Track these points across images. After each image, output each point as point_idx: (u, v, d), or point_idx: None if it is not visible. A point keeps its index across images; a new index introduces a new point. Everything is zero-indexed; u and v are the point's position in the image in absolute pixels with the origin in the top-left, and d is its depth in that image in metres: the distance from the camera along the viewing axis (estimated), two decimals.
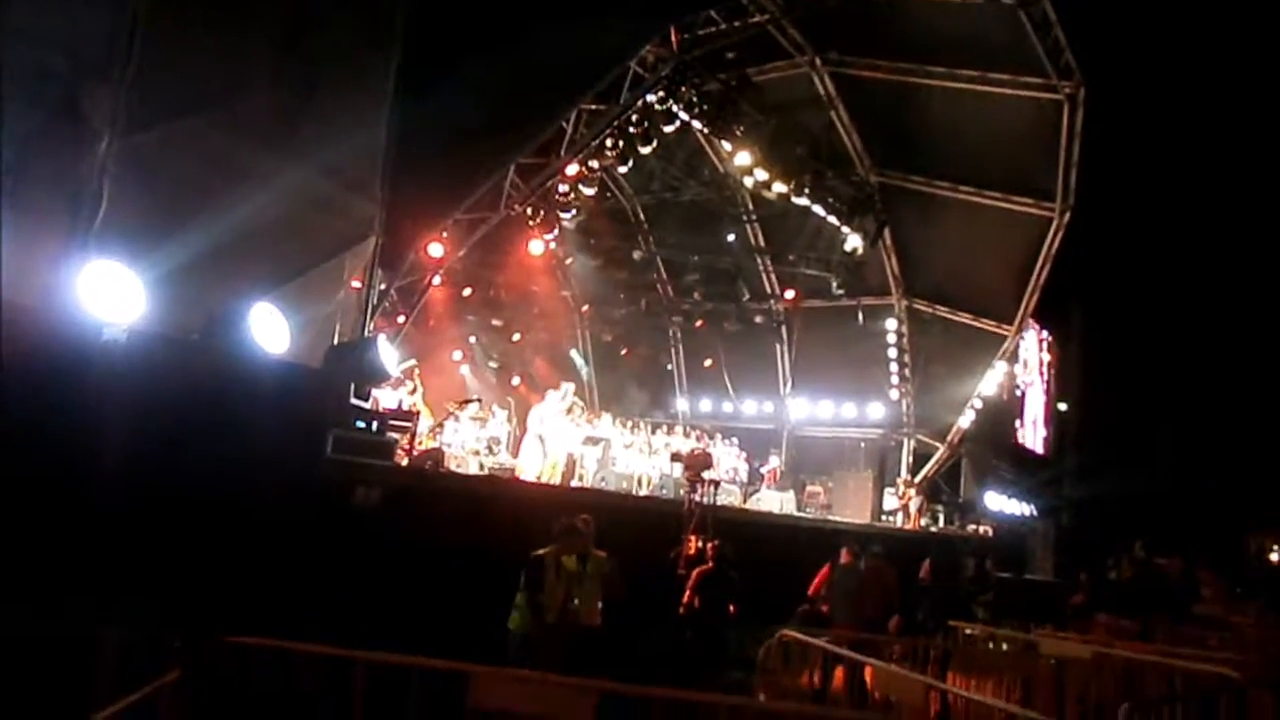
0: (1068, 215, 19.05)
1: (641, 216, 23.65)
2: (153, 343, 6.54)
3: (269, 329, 7.57)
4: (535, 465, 14.60)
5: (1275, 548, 27.24)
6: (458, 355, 21.88)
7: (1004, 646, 9.47)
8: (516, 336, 23.28)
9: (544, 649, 7.14)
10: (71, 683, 3.65)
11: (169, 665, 3.90)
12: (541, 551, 7.47)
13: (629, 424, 18.22)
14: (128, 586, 5.52)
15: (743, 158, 16.72)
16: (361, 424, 8.58)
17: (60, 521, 5.57)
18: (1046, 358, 30.50)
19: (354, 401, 8.57)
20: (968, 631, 9.84)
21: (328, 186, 8.76)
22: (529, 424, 15.31)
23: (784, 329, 24.55)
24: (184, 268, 7.04)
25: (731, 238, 22.72)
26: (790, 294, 23.40)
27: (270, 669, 4.15)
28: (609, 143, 15.55)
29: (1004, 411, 25.50)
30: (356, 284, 10.46)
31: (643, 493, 15.78)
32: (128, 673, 3.79)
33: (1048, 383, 30.68)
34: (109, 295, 6.37)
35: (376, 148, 9.22)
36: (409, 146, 9.61)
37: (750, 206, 22.51)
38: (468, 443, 13.96)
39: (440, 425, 13.78)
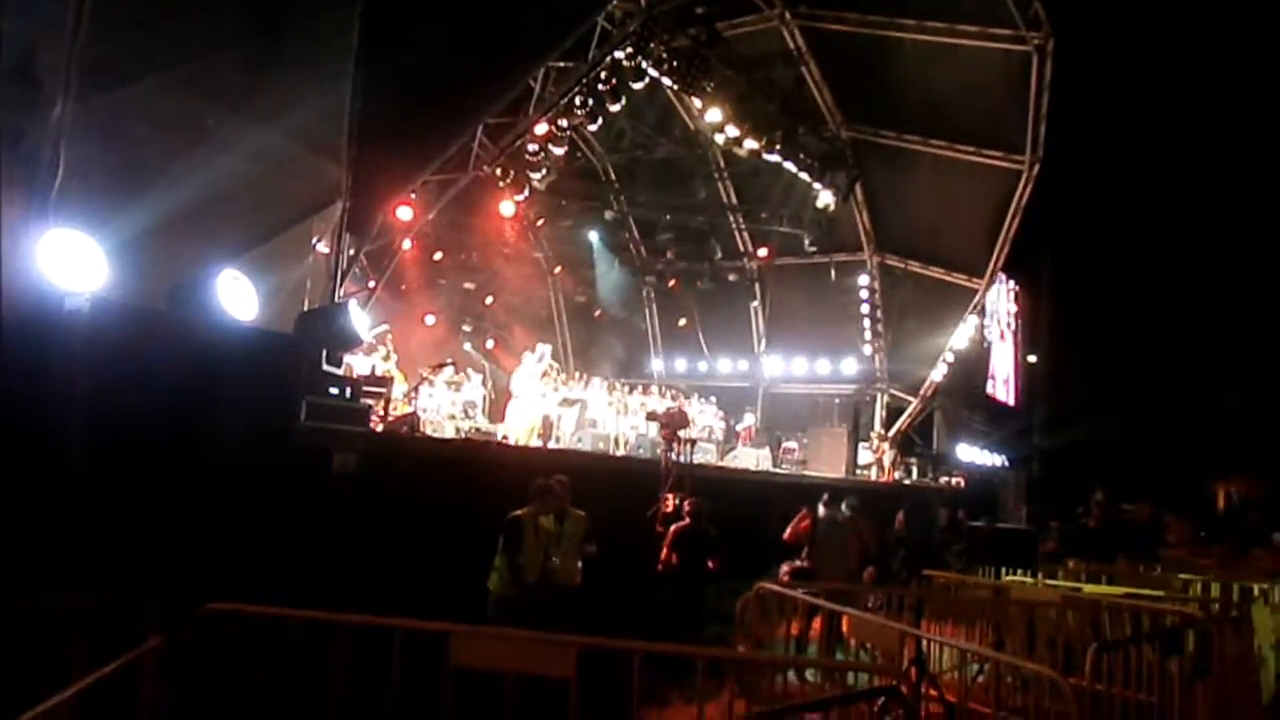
0: (1037, 168, 19.13)
1: (613, 176, 23.47)
2: (117, 312, 6.44)
3: (236, 296, 7.47)
4: (519, 428, 14.65)
5: (1232, 491, 27.97)
6: (431, 319, 21.73)
7: (977, 593, 9.66)
8: (490, 299, 23.14)
9: (524, 608, 7.18)
10: (53, 651, 3.63)
11: (150, 633, 3.89)
12: (519, 513, 7.49)
13: (604, 384, 18.24)
14: (103, 556, 5.49)
15: (713, 114, 16.59)
16: (335, 390, 8.49)
17: (32, 494, 5.51)
18: (1016, 309, 30.82)
19: (326, 368, 8.48)
20: (941, 580, 10.03)
21: (292, 149, 8.61)
22: (512, 388, 15.34)
23: (757, 287, 24.61)
24: (147, 234, 6.91)
25: (702, 195, 22.64)
26: (763, 251, 23.40)
27: (252, 634, 4.15)
28: (578, 101, 15.35)
29: (975, 364, 25.84)
30: (324, 249, 10.33)
31: (619, 453, 15.84)
32: (109, 640, 3.77)
33: (1017, 335, 31.06)
34: (70, 264, 6.24)
35: (341, 108, 9.06)
36: (374, 106, 9.43)
37: (721, 164, 22.41)
38: (443, 407, 13.91)
39: (415, 390, 13.70)
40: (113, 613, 3.93)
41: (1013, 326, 30.74)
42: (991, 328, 27.64)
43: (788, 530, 10.45)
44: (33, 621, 3.73)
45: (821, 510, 10.34)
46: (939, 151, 19.98)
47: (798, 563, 9.94)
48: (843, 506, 10.38)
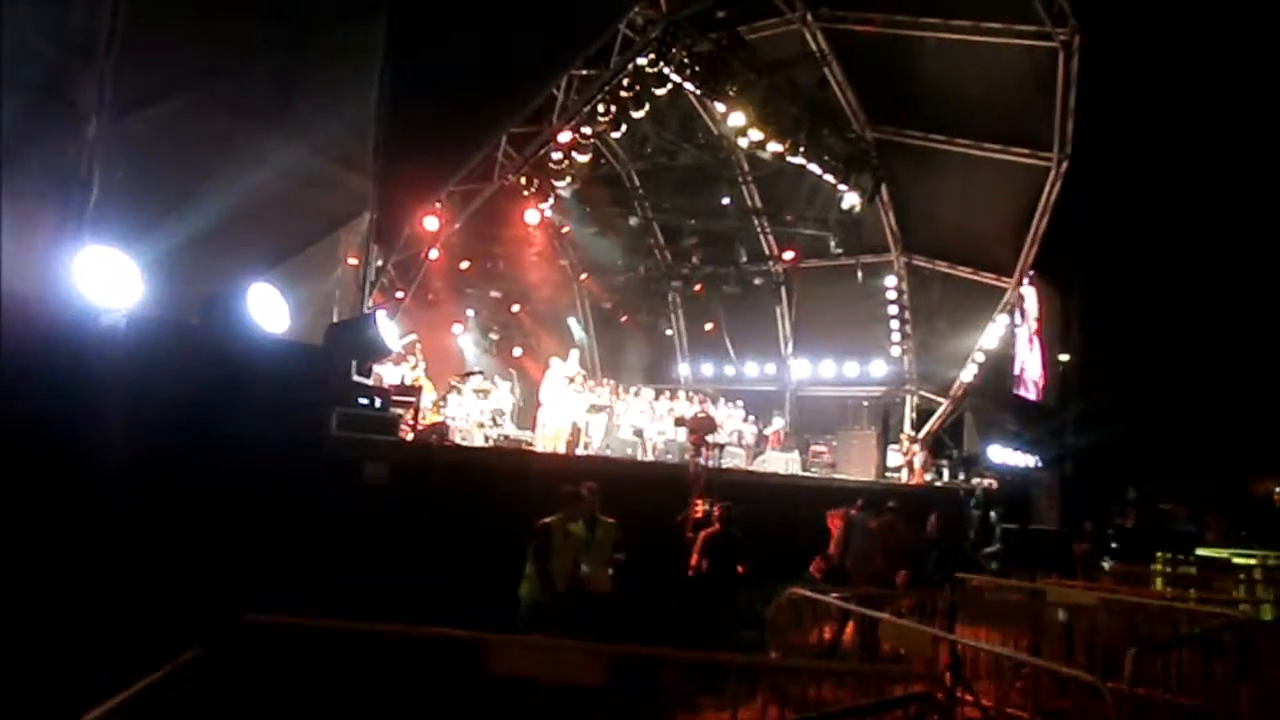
0: (1065, 164, 18.92)
1: (636, 182, 23.51)
2: (152, 327, 6.54)
3: (268, 309, 7.56)
4: (548, 435, 14.71)
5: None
6: (458, 328, 21.86)
7: (1012, 596, 9.55)
8: (516, 307, 23.24)
9: (555, 616, 7.19)
10: (90, 663, 3.69)
11: (186, 644, 3.94)
12: (547, 520, 7.49)
13: (633, 391, 18.25)
14: (139, 567, 5.57)
15: (736, 118, 16.57)
16: (365, 400, 8.57)
17: (68, 506, 5.60)
18: (1046, 308, 30.41)
19: (356, 378, 8.57)
20: (975, 583, 9.92)
21: (320, 162, 8.70)
22: (540, 397, 15.42)
23: (783, 290, 24.50)
24: (179, 250, 7.02)
25: (727, 200, 22.60)
26: (789, 254, 23.30)
27: (287, 644, 4.19)
28: (601, 108, 15.41)
29: (1005, 364, 25.54)
30: (353, 260, 10.42)
31: (648, 458, 15.83)
32: (146, 652, 3.82)
33: (1048, 333, 30.64)
34: (106, 280, 6.35)
35: (367, 121, 9.14)
36: (399, 118, 9.52)
37: (745, 167, 22.37)
38: (471, 415, 13.98)
39: (443, 399, 13.79)
40: (148, 624, 3.98)
41: (1045, 325, 30.33)
42: (1022, 327, 27.33)
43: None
44: (69, 633, 3.78)
45: (854, 514, 10.33)
46: (965, 150, 19.81)
47: (829, 553, 9.95)
48: (867, 514, 10.33)
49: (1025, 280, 22.68)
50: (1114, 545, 14.72)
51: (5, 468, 5.37)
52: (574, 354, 16.05)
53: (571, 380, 15.61)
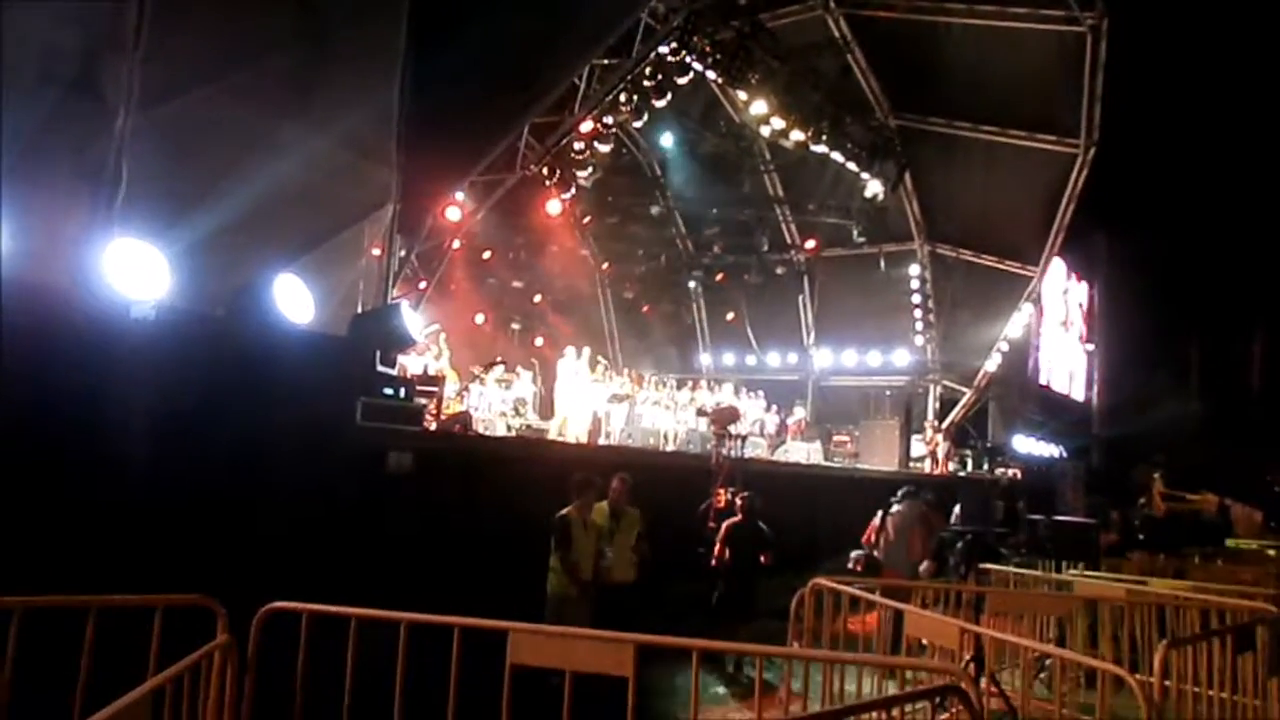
0: (1092, 151, 18.69)
1: (658, 171, 23.44)
2: (181, 319, 6.61)
3: (293, 300, 7.62)
4: (569, 425, 14.81)
5: None
6: (480, 318, 21.95)
7: (1037, 588, 9.48)
8: (538, 297, 23.29)
9: (580, 606, 7.23)
10: (117, 650, 3.74)
11: (213, 632, 3.99)
12: (565, 511, 7.51)
13: (654, 380, 18.27)
14: (166, 556, 5.65)
15: (759, 106, 16.48)
16: (389, 390, 8.62)
17: (98, 496, 5.69)
18: (1074, 297, 30.12)
19: (380, 368, 8.62)
20: (1000, 574, 9.85)
21: (344, 154, 8.74)
22: (557, 389, 15.53)
23: (806, 279, 24.39)
24: (207, 242, 7.08)
25: (747, 188, 22.50)
26: (811, 243, 23.20)
27: (314, 632, 4.23)
28: (623, 98, 15.38)
29: (1030, 354, 25.34)
30: (376, 251, 10.48)
31: (670, 448, 15.85)
32: (172, 641, 3.88)
33: (1075, 322, 30.36)
34: (135, 273, 6.42)
35: (390, 112, 9.17)
36: (422, 110, 9.54)
37: (768, 156, 22.25)
38: (494, 405, 14.05)
39: (466, 388, 13.87)
40: (174, 613, 4.04)
41: (1072, 314, 30.05)
42: (1049, 316, 27.08)
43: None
44: (95, 621, 3.83)
45: (894, 506, 10.33)
46: (990, 137, 19.63)
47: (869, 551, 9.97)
48: (900, 503, 10.31)
49: (1052, 269, 22.48)
50: (1141, 536, 14.58)
51: (36, 458, 5.46)
52: (586, 349, 16.16)
53: (592, 369, 15.69)
